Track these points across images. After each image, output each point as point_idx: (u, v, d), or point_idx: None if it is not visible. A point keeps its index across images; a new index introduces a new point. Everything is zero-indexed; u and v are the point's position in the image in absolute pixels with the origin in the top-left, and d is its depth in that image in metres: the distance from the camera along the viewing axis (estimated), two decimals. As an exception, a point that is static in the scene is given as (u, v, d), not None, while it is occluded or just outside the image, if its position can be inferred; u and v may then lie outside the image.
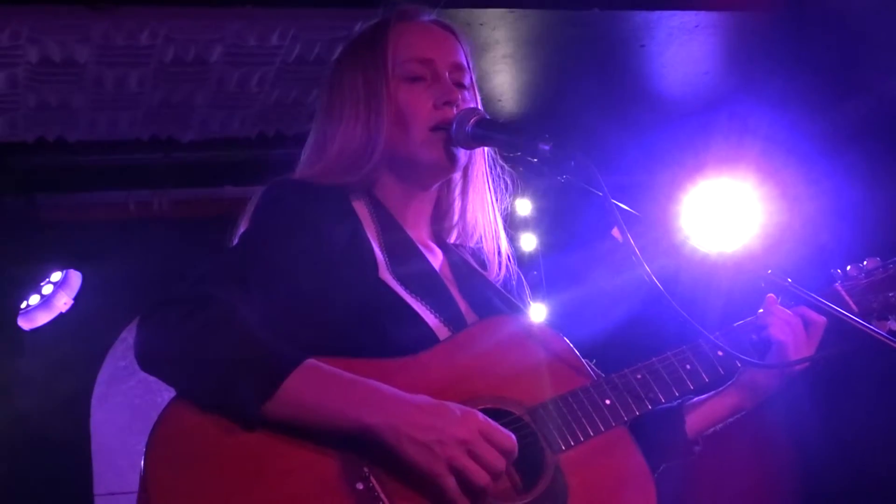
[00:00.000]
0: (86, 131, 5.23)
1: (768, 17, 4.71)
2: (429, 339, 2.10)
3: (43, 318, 5.51)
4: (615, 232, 2.10)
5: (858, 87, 5.31)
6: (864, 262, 2.37)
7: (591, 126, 5.03)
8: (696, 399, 2.32)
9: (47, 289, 5.52)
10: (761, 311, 2.30)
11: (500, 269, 2.41)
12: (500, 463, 1.90)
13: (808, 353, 2.25)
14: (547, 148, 2.14)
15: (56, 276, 5.52)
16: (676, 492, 2.17)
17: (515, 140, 2.20)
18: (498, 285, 2.39)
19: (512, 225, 2.47)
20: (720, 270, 2.35)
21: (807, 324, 2.26)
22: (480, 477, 1.88)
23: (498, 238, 2.42)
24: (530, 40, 4.72)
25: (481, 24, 4.51)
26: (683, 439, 2.29)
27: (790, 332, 2.24)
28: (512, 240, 2.47)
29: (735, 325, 2.29)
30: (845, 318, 2.16)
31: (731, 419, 2.32)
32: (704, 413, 2.31)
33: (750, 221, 5.44)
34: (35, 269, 5.41)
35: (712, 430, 2.33)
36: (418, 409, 1.90)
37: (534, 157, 2.17)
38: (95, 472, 5.67)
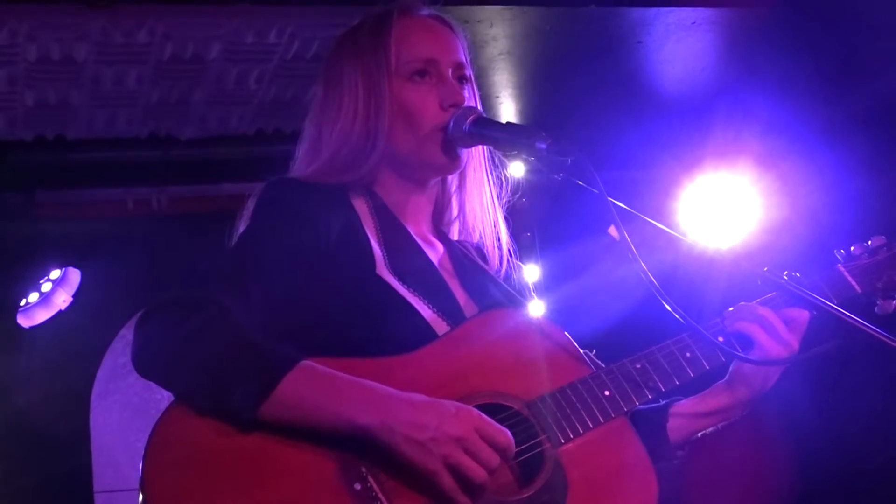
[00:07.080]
0: (84, 129, 5.23)
1: (766, 13, 4.71)
2: (426, 333, 2.11)
3: (42, 316, 5.50)
4: (612, 230, 2.11)
5: (856, 83, 5.32)
6: (869, 242, 2.36)
7: (588, 122, 5.04)
8: (682, 402, 2.31)
9: (46, 286, 5.51)
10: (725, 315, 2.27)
11: (500, 262, 2.42)
12: (495, 459, 1.90)
13: (791, 348, 2.22)
14: (544, 146, 2.14)
15: (55, 273, 5.51)
16: (672, 485, 2.16)
17: (513, 139, 2.20)
18: (499, 279, 2.40)
19: (509, 224, 2.47)
20: (717, 266, 2.35)
21: (787, 320, 2.23)
22: (477, 473, 1.88)
23: (497, 232, 2.42)
24: (528, 37, 4.72)
25: (479, 21, 4.51)
26: (665, 444, 2.28)
27: (759, 325, 2.21)
28: (512, 234, 2.47)
29: (703, 328, 2.23)
30: (841, 315, 2.14)
31: (719, 424, 2.30)
32: (691, 418, 2.29)
33: (748, 216, 5.45)
34: (34, 267, 5.40)
35: (700, 434, 2.31)
36: (413, 407, 1.90)
37: (531, 156, 2.17)
38: (95, 469, 5.67)
